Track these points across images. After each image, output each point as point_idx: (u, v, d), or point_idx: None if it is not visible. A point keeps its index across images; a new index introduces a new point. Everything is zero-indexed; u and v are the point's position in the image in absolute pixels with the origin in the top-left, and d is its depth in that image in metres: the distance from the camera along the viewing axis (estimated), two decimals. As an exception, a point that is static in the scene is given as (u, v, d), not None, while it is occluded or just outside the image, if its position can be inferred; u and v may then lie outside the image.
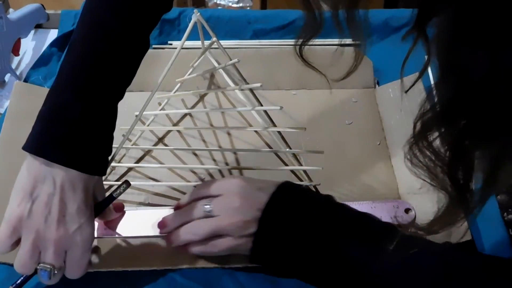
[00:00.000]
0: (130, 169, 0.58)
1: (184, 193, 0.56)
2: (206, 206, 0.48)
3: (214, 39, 0.57)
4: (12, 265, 0.50)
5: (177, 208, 0.53)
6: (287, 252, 0.46)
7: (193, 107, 0.64)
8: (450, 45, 0.28)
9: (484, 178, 0.30)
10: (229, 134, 0.61)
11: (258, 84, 0.54)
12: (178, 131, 0.61)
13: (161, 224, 0.51)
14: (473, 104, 0.28)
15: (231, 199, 0.48)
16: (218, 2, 1.03)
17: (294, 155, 0.59)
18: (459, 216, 0.33)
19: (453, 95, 0.29)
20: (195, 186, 0.56)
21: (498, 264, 0.43)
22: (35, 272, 0.44)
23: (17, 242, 0.44)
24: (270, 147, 0.60)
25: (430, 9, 0.30)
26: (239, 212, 0.47)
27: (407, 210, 0.55)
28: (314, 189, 0.57)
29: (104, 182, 0.55)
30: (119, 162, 0.58)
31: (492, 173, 0.30)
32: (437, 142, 0.31)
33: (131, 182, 0.56)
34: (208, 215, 0.48)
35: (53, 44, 0.70)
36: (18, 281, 0.46)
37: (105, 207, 0.49)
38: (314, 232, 0.46)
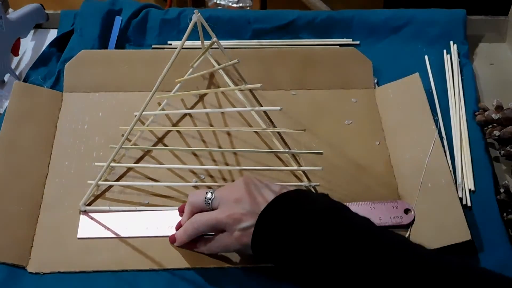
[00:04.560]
0: (129, 169, 0.58)
1: (184, 194, 0.56)
2: (208, 194, 0.48)
3: (214, 39, 0.57)
4: (11, 265, 0.50)
5: (182, 209, 0.53)
6: (286, 249, 0.45)
7: (192, 107, 0.64)
8: None
9: None
10: (229, 134, 0.61)
11: (258, 85, 0.54)
12: (178, 131, 0.61)
13: (178, 226, 0.52)
14: None
15: (233, 190, 0.47)
16: (218, 2, 1.02)
17: (294, 156, 0.59)
18: None
19: None
20: (195, 187, 0.56)
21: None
22: None
23: None
24: (270, 148, 0.60)
25: None
26: (237, 204, 0.46)
27: (406, 211, 0.55)
28: (313, 190, 0.57)
29: (104, 182, 0.56)
30: (118, 162, 0.58)
31: None
32: None
33: (130, 183, 0.56)
34: (209, 205, 0.48)
35: (52, 44, 0.70)
36: None
37: None
38: (314, 233, 0.44)
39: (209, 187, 0.56)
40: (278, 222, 0.44)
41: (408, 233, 0.54)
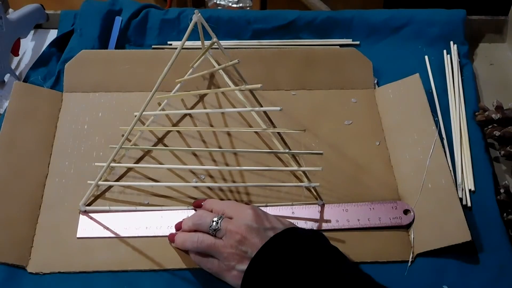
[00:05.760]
0: (129, 169, 0.58)
1: (184, 194, 0.56)
2: (213, 223, 0.48)
3: (215, 39, 0.57)
4: (11, 266, 0.50)
5: (196, 204, 0.54)
6: None
7: (193, 107, 0.64)
8: None
9: None
10: (229, 134, 0.61)
11: (258, 85, 0.54)
12: (178, 131, 0.61)
13: (178, 225, 0.52)
14: None
15: (239, 227, 0.47)
16: (218, 2, 1.02)
17: (294, 156, 0.59)
18: None
19: None
20: (194, 187, 0.56)
21: None
22: None
23: None
24: (270, 148, 0.60)
25: None
26: (240, 245, 0.46)
27: (406, 211, 0.55)
28: (313, 190, 0.57)
29: (104, 182, 0.56)
30: (118, 162, 0.58)
31: None
32: None
33: (130, 183, 0.56)
34: (213, 234, 0.48)
35: (52, 44, 0.69)
36: None
37: None
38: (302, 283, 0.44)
39: (210, 187, 0.56)
40: (266, 270, 0.45)
41: (409, 233, 0.54)
